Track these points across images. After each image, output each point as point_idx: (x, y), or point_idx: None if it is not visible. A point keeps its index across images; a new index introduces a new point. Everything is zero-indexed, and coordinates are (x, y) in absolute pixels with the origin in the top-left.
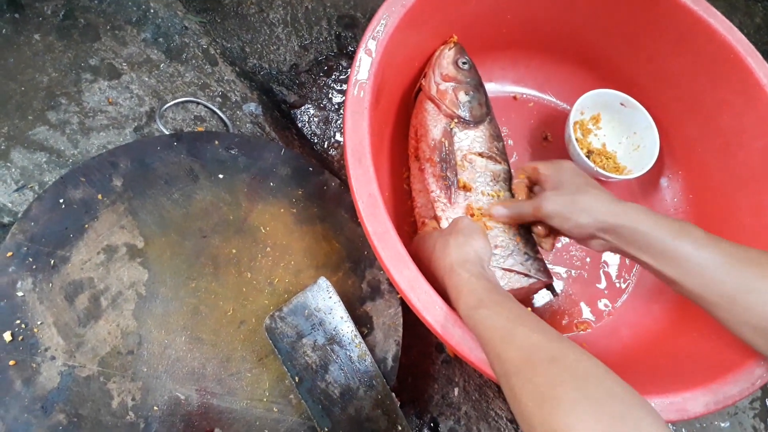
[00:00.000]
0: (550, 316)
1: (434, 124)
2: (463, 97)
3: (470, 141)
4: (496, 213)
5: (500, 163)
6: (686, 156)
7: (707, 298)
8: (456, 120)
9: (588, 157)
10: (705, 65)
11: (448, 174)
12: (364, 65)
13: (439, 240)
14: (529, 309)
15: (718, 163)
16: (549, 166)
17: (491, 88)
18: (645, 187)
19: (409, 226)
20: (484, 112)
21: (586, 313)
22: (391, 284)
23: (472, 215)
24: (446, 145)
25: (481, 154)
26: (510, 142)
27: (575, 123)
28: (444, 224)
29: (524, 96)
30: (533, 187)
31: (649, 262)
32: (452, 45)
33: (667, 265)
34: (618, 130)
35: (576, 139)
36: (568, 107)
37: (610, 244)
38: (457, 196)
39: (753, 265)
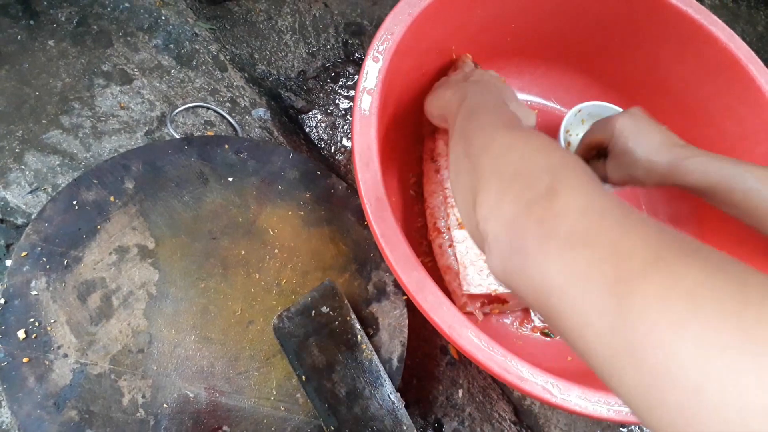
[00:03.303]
0: None
1: None
2: None
3: None
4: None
5: None
6: None
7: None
8: None
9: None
10: (707, 73)
11: None
12: (372, 72)
13: (457, 84)
14: None
15: None
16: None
17: None
18: (648, 191)
19: (417, 231)
20: None
21: None
22: (396, 286)
23: None
24: None
25: None
26: None
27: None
28: (446, 234)
29: (529, 103)
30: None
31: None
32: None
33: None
34: None
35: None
36: None
37: (665, 181)
38: None
39: None
